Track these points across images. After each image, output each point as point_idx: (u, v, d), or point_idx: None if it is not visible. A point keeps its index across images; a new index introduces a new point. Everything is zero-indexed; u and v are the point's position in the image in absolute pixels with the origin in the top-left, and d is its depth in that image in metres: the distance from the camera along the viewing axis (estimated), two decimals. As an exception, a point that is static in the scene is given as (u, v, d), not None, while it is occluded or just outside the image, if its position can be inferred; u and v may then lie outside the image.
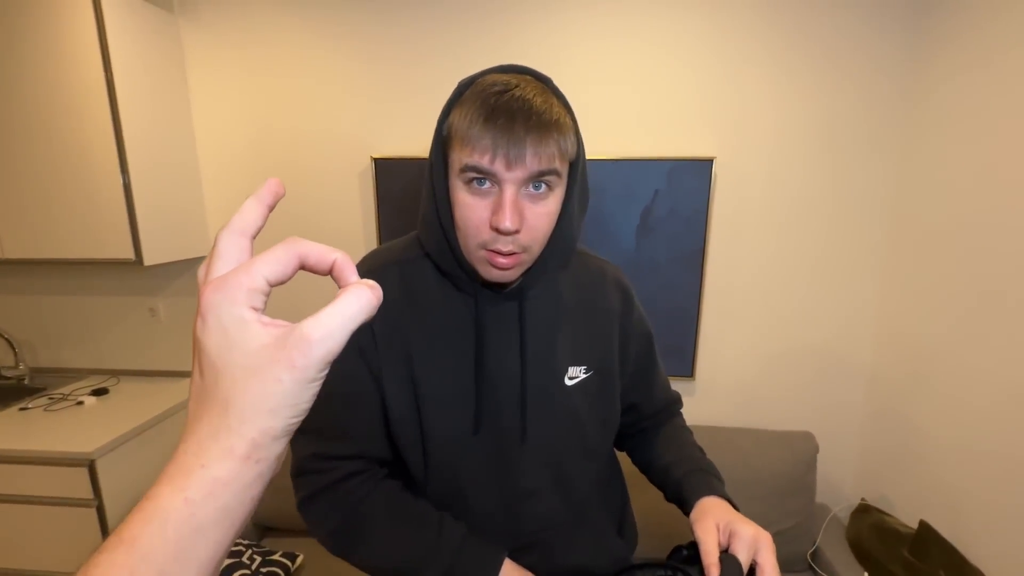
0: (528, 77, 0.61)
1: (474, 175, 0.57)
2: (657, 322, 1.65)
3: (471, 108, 0.57)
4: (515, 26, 1.55)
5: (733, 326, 1.67)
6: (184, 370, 1.90)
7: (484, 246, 0.59)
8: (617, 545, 0.83)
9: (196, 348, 0.24)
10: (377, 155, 1.64)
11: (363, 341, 0.66)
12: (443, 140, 0.61)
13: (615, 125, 1.58)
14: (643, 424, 0.87)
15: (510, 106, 0.55)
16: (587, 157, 1.50)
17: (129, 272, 1.83)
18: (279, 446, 0.24)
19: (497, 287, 0.66)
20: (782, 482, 1.47)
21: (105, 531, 1.42)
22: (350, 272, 0.27)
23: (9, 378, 1.84)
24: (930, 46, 1.39)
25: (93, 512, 1.41)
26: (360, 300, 0.25)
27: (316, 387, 0.24)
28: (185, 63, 1.68)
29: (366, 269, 0.70)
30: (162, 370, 1.90)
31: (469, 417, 0.67)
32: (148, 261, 1.54)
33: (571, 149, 0.59)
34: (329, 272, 0.27)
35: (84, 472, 1.38)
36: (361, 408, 0.68)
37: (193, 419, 0.24)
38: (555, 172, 0.58)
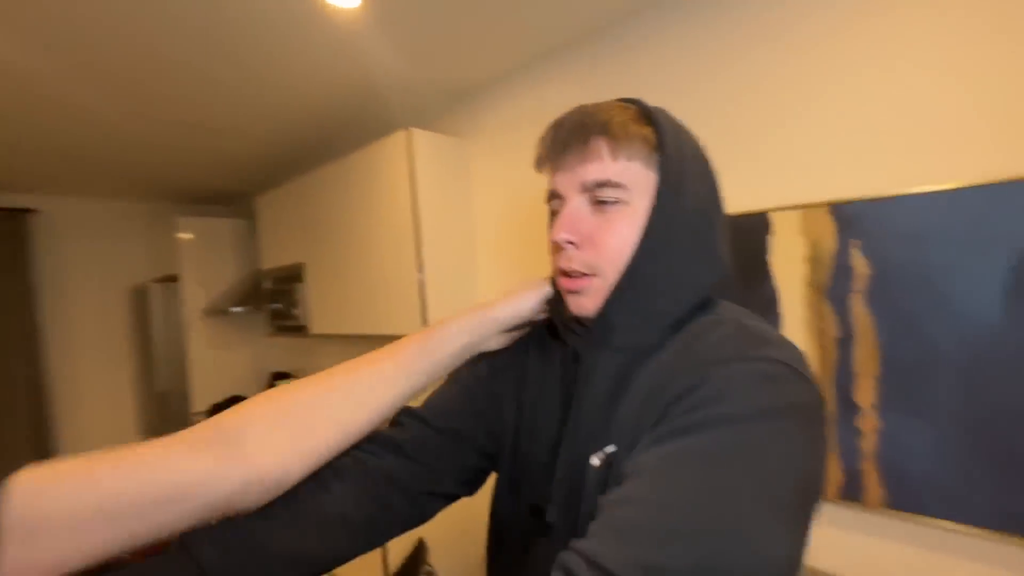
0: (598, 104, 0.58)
1: (553, 202, 0.59)
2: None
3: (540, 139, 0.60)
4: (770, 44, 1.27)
5: None
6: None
7: (558, 269, 0.58)
8: None
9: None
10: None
11: (500, 385, 0.68)
12: None
13: (937, 140, 1.06)
14: None
15: (564, 117, 0.58)
16: (895, 192, 1.04)
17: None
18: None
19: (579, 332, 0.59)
20: None
21: None
22: None
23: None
24: None
25: None
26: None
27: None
28: (469, 175, 2.06)
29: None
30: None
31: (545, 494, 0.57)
32: (431, 338, 1.86)
33: (644, 159, 0.54)
34: None
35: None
36: (467, 404, 0.68)
37: None
38: (616, 184, 0.53)
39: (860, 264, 1.14)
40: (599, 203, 0.54)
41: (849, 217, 1.15)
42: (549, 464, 0.57)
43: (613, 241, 0.54)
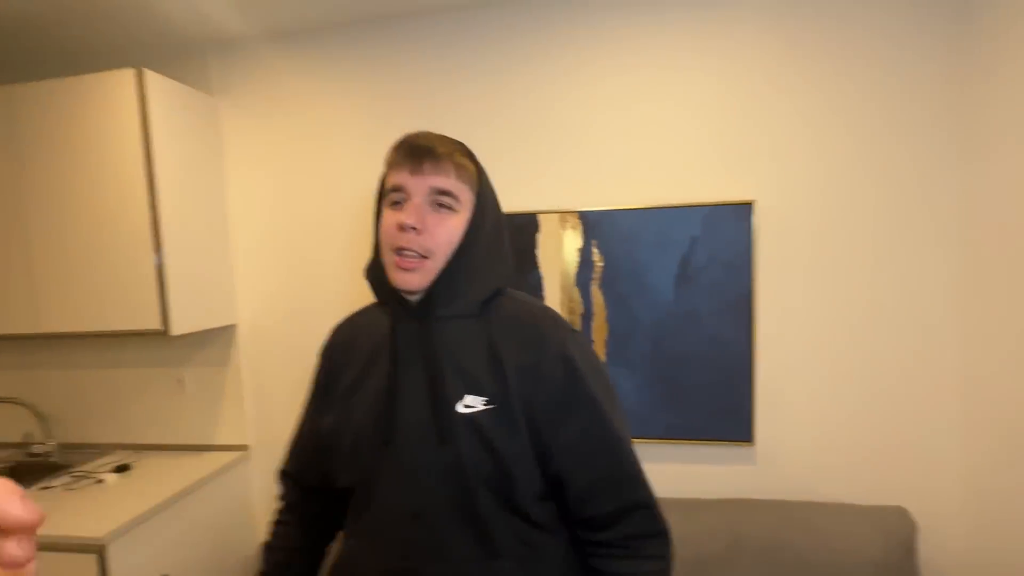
0: (442, 135, 0.76)
1: (393, 194, 0.72)
2: (705, 380, 1.50)
3: (396, 143, 0.74)
4: (549, 85, 1.55)
5: (794, 382, 1.49)
6: (206, 444, 1.84)
7: (393, 247, 0.71)
8: None
9: None
10: (402, 216, 1.63)
11: (321, 368, 0.86)
12: (382, 181, 0.77)
13: (646, 173, 1.52)
14: (587, 523, 0.73)
15: (418, 137, 0.73)
16: (618, 206, 1.44)
17: (157, 343, 1.83)
18: None
19: (408, 305, 0.74)
20: (875, 569, 1.23)
21: (109, 627, 1.31)
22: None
23: (37, 455, 1.82)
24: (978, 49, 1.29)
25: (99, 605, 1.31)
26: None
27: None
28: (222, 140, 1.76)
29: (328, 336, 0.88)
30: (185, 444, 1.85)
31: (382, 427, 0.72)
32: (175, 331, 1.53)
33: (469, 184, 0.74)
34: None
35: (93, 560, 1.29)
36: (305, 426, 0.86)
37: None
38: (452, 195, 0.71)
39: (597, 258, 1.54)
40: (438, 205, 0.71)
41: (591, 222, 1.53)
42: (414, 407, 0.71)
43: (445, 234, 0.71)
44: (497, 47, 1.57)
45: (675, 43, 1.47)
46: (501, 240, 0.78)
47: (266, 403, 1.84)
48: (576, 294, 1.56)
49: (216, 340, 1.81)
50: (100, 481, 1.60)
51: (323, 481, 0.80)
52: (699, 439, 1.51)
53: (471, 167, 0.75)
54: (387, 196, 0.73)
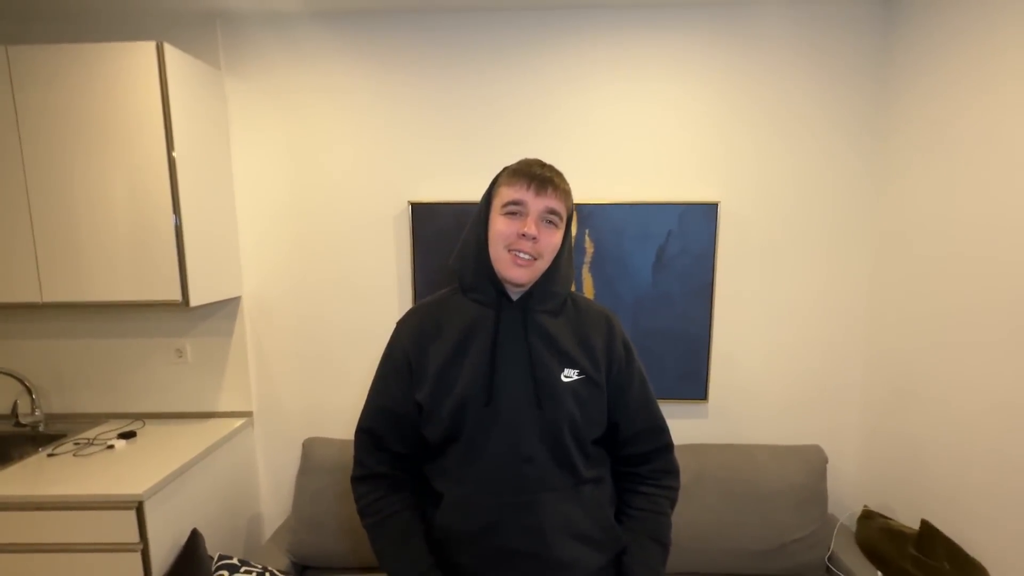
0: (550, 164, 0.97)
1: (512, 207, 0.90)
2: (673, 349, 1.81)
3: (516, 169, 0.94)
4: (545, 84, 1.74)
5: (741, 351, 1.84)
6: (209, 411, 1.90)
7: (509, 248, 0.90)
8: (612, 524, 0.97)
9: None
10: (414, 200, 1.77)
11: (405, 350, 0.97)
12: (489, 194, 0.96)
13: (633, 172, 1.78)
14: (627, 459, 1.03)
15: (540, 168, 0.93)
16: (609, 201, 1.68)
17: (161, 313, 1.85)
18: None
19: (509, 298, 0.95)
20: (798, 492, 1.61)
21: (149, 575, 1.40)
22: None
23: (25, 425, 1.79)
24: (899, 81, 1.66)
25: (137, 556, 1.39)
26: None
27: None
28: (228, 114, 1.79)
29: (407, 316, 1.02)
30: (187, 412, 1.90)
31: (484, 391, 0.91)
32: (194, 302, 1.58)
33: (568, 208, 0.94)
34: None
35: (131, 515, 1.37)
36: (402, 388, 0.97)
37: None
38: (559, 214, 0.92)
39: (589, 245, 1.78)
40: (547, 221, 0.92)
41: (585, 214, 1.77)
42: (521, 375, 0.92)
43: (551, 244, 0.93)
44: (505, 50, 1.74)
45: (663, 61, 1.72)
46: (572, 263, 1.02)
47: (268, 371, 1.92)
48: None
49: (219, 311, 1.86)
50: (110, 447, 1.63)
51: (410, 445, 0.98)
52: (667, 398, 1.83)
53: (571, 198, 0.96)
54: (504, 206, 0.91)
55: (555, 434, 0.91)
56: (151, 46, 1.47)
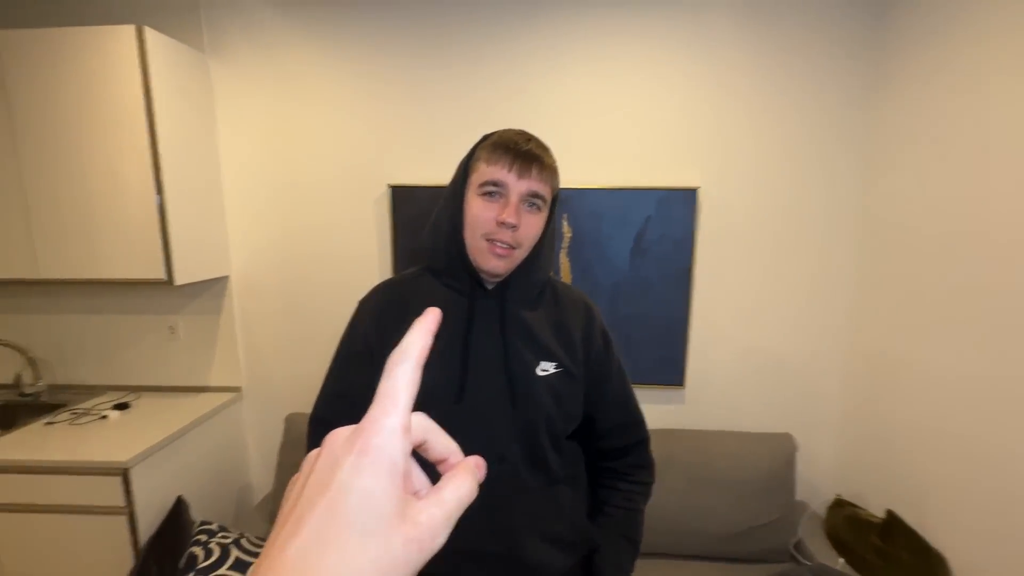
0: (536, 137, 0.84)
1: (490, 187, 0.79)
2: (650, 335, 1.82)
3: (497, 141, 0.81)
4: (522, 68, 1.73)
5: (719, 338, 1.83)
6: (200, 385, 1.98)
7: (487, 237, 0.80)
8: (586, 525, 0.93)
9: (327, 474, 0.23)
10: (394, 183, 1.79)
11: (365, 333, 0.87)
12: (466, 167, 0.83)
13: (611, 157, 1.76)
14: (603, 453, 0.97)
15: (525, 142, 0.80)
16: (587, 186, 1.67)
17: (153, 291, 1.92)
18: None
19: (483, 285, 0.85)
20: (765, 478, 1.62)
21: (136, 538, 1.49)
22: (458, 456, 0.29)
23: (28, 395, 1.90)
24: (887, 72, 1.61)
25: (124, 520, 1.48)
26: (469, 482, 0.26)
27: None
28: (213, 97, 1.82)
29: (369, 294, 0.92)
30: (180, 386, 1.98)
31: (454, 388, 0.82)
32: (178, 281, 1.64)
33: (553, 187, 0.83)
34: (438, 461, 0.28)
35: (118, 481, 1.46)
36: (362, 375, 0.86)
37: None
38: (543, 197, 0.81)
39: (567, 230, 1.78)
40: (530, 205, 0.80)
41: (564, 198, 1.76)
42: (493, 371, 0.83)
43: (533, 230, 0.82)
44: (483, 33, 1.72)
45: (644, 44, 1.69)
46: (553, 233, 0.90)
47: (256, 348, 1.99)
48: (547, 260, 1.81)
49: (208, 290, 1.93)
50: (104, 417, 1.72)
51: None
52: (643, 383, 1.84)
53: (557, 175, 0.84)
54: (481, 186, 0.79)
55: (530, 433, 0.85)
56: (131, 29, 1.50)
